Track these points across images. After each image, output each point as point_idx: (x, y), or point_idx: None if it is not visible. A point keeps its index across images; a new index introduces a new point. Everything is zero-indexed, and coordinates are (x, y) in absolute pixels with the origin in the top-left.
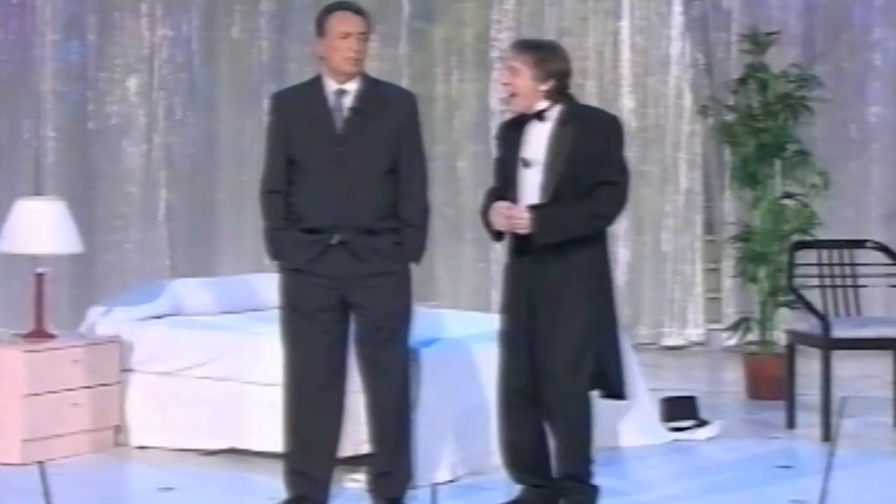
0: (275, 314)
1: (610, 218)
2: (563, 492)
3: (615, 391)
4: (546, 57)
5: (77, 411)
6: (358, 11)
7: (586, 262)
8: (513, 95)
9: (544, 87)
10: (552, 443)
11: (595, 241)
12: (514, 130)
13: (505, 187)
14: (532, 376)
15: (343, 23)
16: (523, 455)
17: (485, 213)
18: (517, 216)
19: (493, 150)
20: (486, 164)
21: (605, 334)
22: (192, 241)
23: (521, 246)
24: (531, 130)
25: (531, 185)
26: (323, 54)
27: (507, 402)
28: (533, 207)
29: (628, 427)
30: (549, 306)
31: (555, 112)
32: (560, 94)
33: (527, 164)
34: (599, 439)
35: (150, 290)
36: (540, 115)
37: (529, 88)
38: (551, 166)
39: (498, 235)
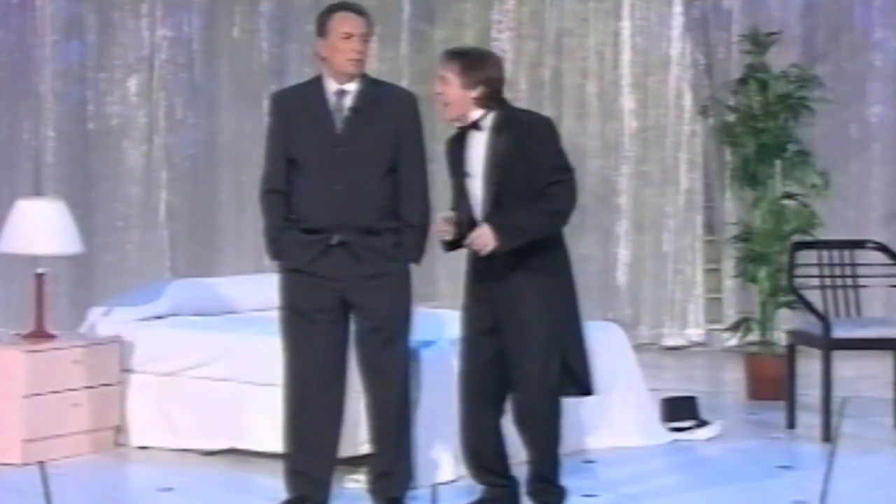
0: (275, 315)
1: (566, 214)
2: (534, 493)
3: (584, 389)
4: (473, 64)
5: (77, 411)
6: (360, 12)
7: (543, 261)
8: (445, 105)
9: (474, 95)
10: (524, 447)
11: (550, 240)
12: (458, 144)
13: (458, 201)
14: (493, 378)
15: (345, 23)
16: (485, 456)
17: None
18: (479, 238)
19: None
20: None
21: (569, 332)
22: (193, 242)
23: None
24: (471, 141)
25: (476, 196)
26: (324, 55)
27: (468, 405)
28: (489, 220)
29: (628, 427)
30: (513, 310)
31: (489, 120)
32: (493, 100)
33: (468, 175)
34: (600, 440)
35: (150, 291)
36: (476, 125)
37: (459, 97)
38: (489, 176)
39: (449, 246)
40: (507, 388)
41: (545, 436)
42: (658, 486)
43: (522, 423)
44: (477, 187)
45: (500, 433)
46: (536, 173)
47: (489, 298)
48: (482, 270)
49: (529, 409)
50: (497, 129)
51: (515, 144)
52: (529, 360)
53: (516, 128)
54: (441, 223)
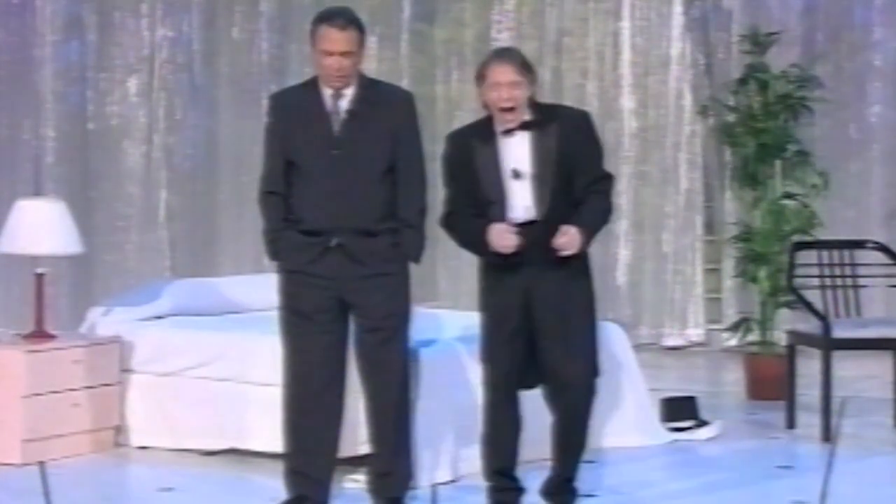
0: (274, 315)
1: (613, 210)
2: (554, 492)
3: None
4: (528, 61)
5: (77, 411)
6: (344, 25)
7: (583, 262)
8: (510, 109)
9: (530, 94)
10: (558, 447)
11: None
12: (484, 143)
13: (487, 203)
14: (521, 379)
15: (325, 41)
16: (503, 456)
17: (469, 237)
18: (568, 241)
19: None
20: None
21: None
22: (192, 242)
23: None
24: (511, 141)
25: (521, 197)
26: (314, 64)
27: (499, 406)
28: (565, 221)
29: (628, 427)
30: (560, 312)
31: (527, 117)
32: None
33: (518, 175)
34: (599, 440)
35: (150, 291)
36: (525, 124)
37: (525, 99)
38: (542, 175)
39: (495, 254)
40: (524, 388)
41: (583, 435)
42: (658, 487)
43: (568, 421)
44: (523, 187)
45: (518, 433)
46: (583, 168)
47: (522, 299)
48: (512, 270)
49: (576, 407)
50: (541, 126)
51: (564, 141)
52: (578, 360)
53: (560, 123)
54: (505, 235)
